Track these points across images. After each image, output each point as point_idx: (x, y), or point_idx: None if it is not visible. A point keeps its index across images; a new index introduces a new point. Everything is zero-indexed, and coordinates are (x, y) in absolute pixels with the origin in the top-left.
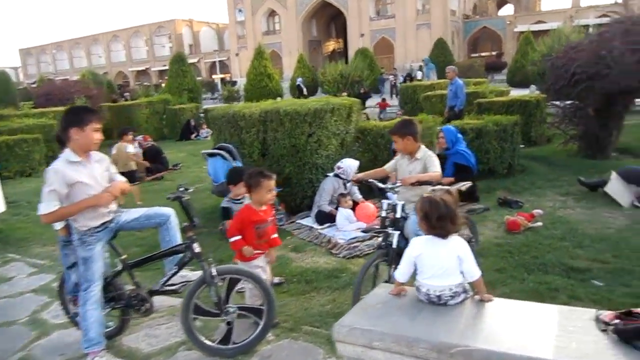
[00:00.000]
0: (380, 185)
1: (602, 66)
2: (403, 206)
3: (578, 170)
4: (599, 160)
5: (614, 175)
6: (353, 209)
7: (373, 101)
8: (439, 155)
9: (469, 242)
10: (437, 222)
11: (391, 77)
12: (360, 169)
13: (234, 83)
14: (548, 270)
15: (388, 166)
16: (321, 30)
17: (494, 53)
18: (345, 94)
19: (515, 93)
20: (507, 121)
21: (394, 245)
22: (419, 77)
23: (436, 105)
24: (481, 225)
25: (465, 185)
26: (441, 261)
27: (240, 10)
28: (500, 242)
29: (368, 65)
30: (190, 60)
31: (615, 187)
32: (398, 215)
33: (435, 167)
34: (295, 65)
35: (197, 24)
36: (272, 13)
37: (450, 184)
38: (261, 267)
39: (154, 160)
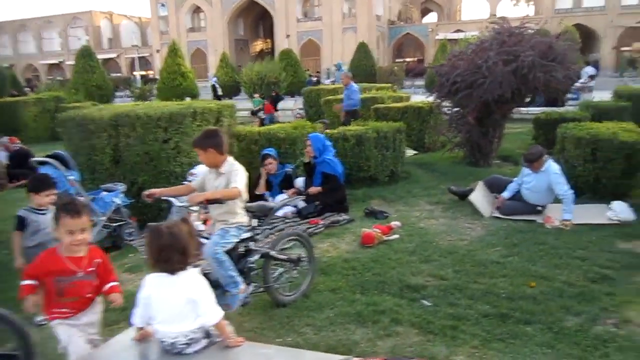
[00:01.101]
0: (177, 203)
1: (479, 75)
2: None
3: (458, 177)
4: (482, 167)
5: (479, 184)
6: None
7: (287, 104)
8: (308, 164)
9: (297, 261)
10: (160, 254)
11: (314, 79)
12: None
13: (155, 80)
14: (385, 289)
15: (195, 182)
16: (249, 29)
17: (416, 59)
18: (257, 95)
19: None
20: (388, 128)
21: None
22: (326, 82)
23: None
24: (339, 239)
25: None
26: (169, 303)
27: (162, 5)
28: (349, 257)
29: (291, 66)
30: (109, 55)
31: (479, 196)
32: None
33: (235, 183)
34: (218, 64)
35: (117, 17)
36: (197, 9)
37: (318, 193)
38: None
39: (20, 165)
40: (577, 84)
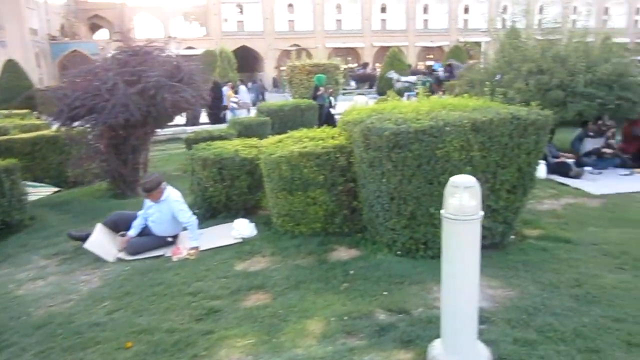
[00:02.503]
0: None
1: (100, 98)
2: None
3: (100, 214)
4: (130, 198)
5: (98, 226)
6: None
7: None
8: None
9: None
10: None
11: None
12: None
13: None
14: None
15: None
16: None
17: None
18: None
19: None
20: None
21: None
22: None
23: None
24: None
25: None
26: None
27: None
28: None
29: None
30: None
31: (98, 240)
32: None
33: None
34: None
35: None
36: None
37: None
38: None
39: None
40: (233, 102)
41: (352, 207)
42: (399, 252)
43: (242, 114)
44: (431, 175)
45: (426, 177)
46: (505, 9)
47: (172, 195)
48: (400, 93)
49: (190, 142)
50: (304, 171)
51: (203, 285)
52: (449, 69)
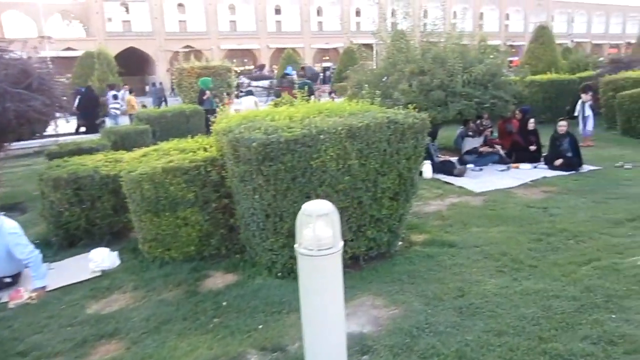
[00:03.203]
0: None
1: None
2: None
3: None
4: None
5: None
6: None
7: None
8: None
9: None
10: None
11: None
12: None
13: None
14: None
15: None
16: None
17: None
18: None
19: None
20: None
21: None
22: None
23: None
24: None
25: None
26: None
27: None
28: None
29: None
30: None
31: None
32: None
33: None
34: None
35: None
36: None
37: None
38: None
39: None
40: (114, 108)
41: (229, 225)
42: (279, 274)
43: (125, 122)
44: (308, 188)
45: (302, 190)
46: (393, 12)
47: (7, 226)
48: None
49: (53, 156)
50: (170, 189)
51: (40, 338)
52: (303, 72)
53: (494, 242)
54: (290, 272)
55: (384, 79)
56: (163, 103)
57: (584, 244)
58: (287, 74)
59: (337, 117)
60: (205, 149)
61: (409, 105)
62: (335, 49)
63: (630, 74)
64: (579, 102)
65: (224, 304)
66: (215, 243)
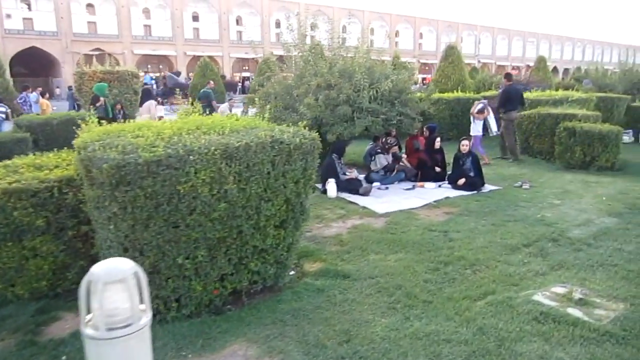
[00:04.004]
0: None
1: None
2: None
3: None
4: None
5: None
6: None
7: None
8: None
9: None
10: None
11: None
12: None
13: None
14: None
15: None
16: None
17: None
18: None
19: None
20: None
21: None
22: None
23: None
24: None
25: None
26: None
27: None
28: None
29: None
30: None
31: None
32: None
33: None
34: None
35: None
36: None
37: None
38: None
39: None
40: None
41: (91, 256)
42: None
43: (9, 128)
44: (175, 217)
45: (168, 220)
46: (313, 26)
47: None
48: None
49: None
50: (14, 214)
51: None
52: (164, 82)
53: (391, 272)
54: (157, 313)
55: (294, 92)
56: (75, 107)
57: (480, 273)
58: (146, 84)
59: (215, 135)
60: (68, 166)
61: (300, 123)
62: (254, 59)
63: (527, 95)
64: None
65: (63, 358)
66: (73, 277)
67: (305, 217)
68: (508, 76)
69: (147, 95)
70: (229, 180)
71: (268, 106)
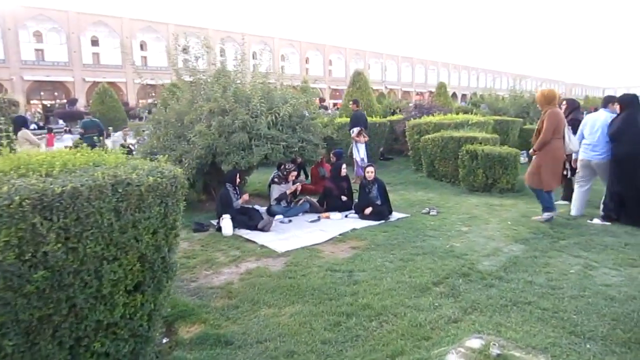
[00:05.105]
0: None
1: None
2: None
3: None
4: None
5: None
6: None
7: None
8: None
9: None
10: None
11: None
12: None
13: None
14: None
15: None
16: None
17: None
18: None
19: None
20: None
21: None
22: None
23: None
24: None
25: None
26: None
27: None
28: None
29: None
30: None
31: None
32: None
33: None
34: None
35: None
36: None
37: None
38: None
39: None
40: None
41: None
42: None
43: None
44: None
45: None
46: (222, 51)
47: None
48: None
49: None
50: None
51: None
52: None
53: (283, 332)
54: None
55: (184, 119)
56: None
57: (387, 325)
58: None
59: (37, 178)
60: None
61: (163, 157)
62: (162, 85)
63: (431, 118)
64: (353, 143)
65: None
66: None
67: (170, 275)
68: (356, 102)
69: (20, 124)
70: (50, 239)
71: (158, 132)
